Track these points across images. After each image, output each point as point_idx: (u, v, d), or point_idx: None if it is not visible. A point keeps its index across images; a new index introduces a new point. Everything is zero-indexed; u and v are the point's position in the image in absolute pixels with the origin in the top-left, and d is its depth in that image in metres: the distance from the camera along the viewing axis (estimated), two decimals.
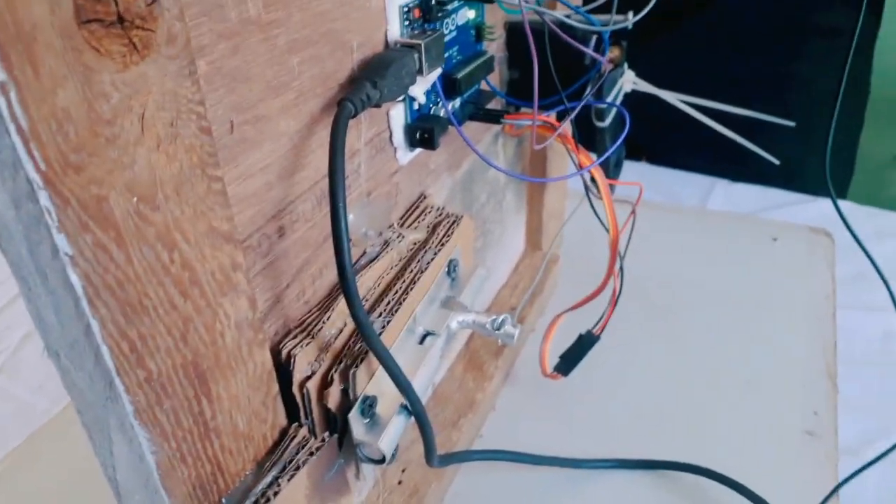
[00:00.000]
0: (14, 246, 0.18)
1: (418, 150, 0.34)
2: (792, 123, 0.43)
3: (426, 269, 0.33)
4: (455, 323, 0.33)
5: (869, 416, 0.48)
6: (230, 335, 0.23)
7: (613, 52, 0.40)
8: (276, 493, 0.25)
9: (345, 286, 0.25)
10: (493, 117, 0.36)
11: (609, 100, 0.40)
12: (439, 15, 0.31)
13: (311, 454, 0.27)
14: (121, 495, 0.24)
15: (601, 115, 0.42)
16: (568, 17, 0.35)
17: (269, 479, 0.26)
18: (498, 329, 0.34)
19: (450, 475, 0.42)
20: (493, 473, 0.43)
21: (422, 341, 0.33)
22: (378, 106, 0.27)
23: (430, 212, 0.36)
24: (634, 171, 0.78)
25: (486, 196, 0.46)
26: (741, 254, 0.62)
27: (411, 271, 0.33)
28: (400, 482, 0.39)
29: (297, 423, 0.28)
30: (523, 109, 0.42)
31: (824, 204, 0.71)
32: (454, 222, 0.35)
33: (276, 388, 0.26)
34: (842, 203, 0.71)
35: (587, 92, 0.37)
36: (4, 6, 0.15)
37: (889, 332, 0.56)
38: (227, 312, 0.23)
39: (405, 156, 0.33)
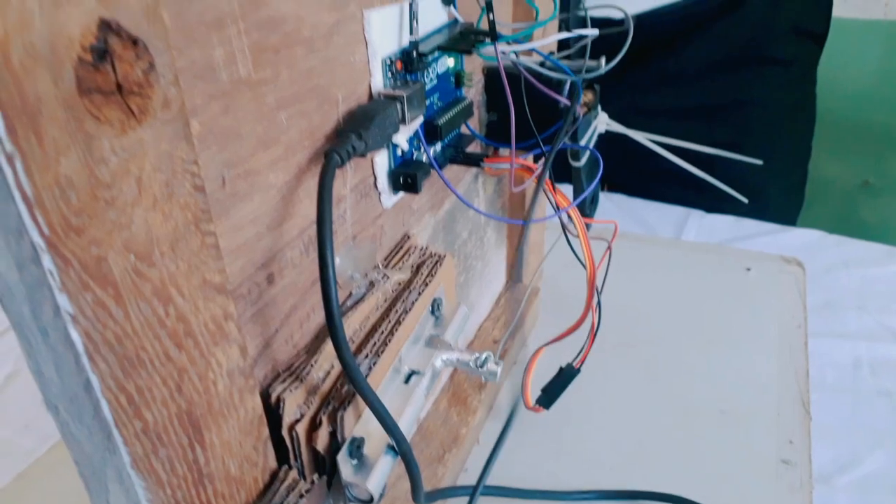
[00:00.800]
0: (16, 305, 0.19)
1: (402, 194, 0.35)
2: (759, 161, 0.45)
3: (411, 308, 0.34)
4: (439, 361, 0.34)
5: (840, 442, 0.50)
6: (222, 383, 0.24)
7: (587, 96, 0.41)
8: None
9: (333, 332, 0.25)
10: (474, 161, 0.38)
11: (583, 142, 0.41)
12: (420, 66, 0.32)
13: (301, 496, 0.27)
14: None
15: (576, 155, 0.43)
16: (542, 64, 0.36)
17: None
18: (481, 367, 0.35)
19: None
20: None
21: (407, 380, 0.33)
22: (363, 156, 0.28)
23: (413, 252, 0.37)
24: (611, 203, 0.80)
25: (467, 233, 0.47)
26: (715, 284, 0.63)
27: (396, 311, 0.33)
28: None
29: (286, 466, 0.28)
30: (501, 152, 0.44)
31: (796, 233, 0.73)
32: (437, 262, 0.36)
33: (266, 431, 0.27)
34: (812, 232, 0.73)
35: (561, 135, 0.39)
36: (11, 80, 0.16)
37: (859, 359, 0.57)
38: (220, 361, 0.24)
39: (389, 199, 0.34)
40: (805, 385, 0.52)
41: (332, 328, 0.25)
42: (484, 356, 0.35)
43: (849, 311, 0.63)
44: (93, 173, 0.18)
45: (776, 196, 0.77)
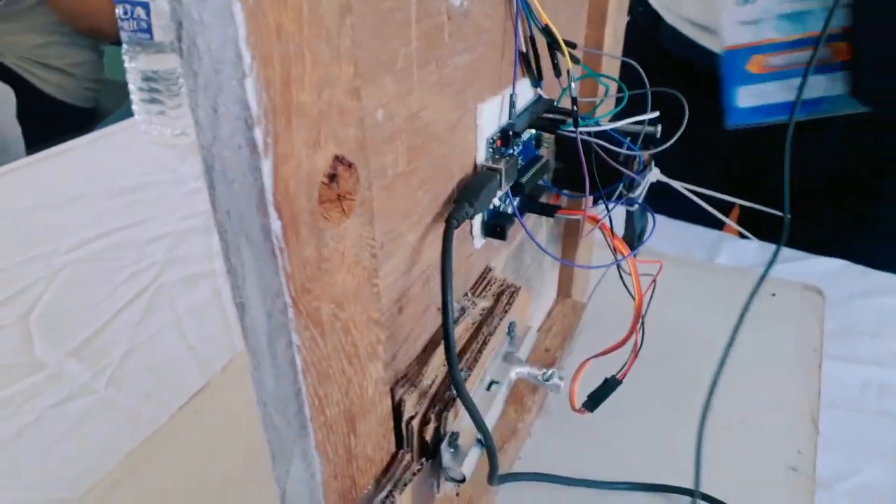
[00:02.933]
0: (256, 338, 0.28)
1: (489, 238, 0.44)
2: (780, 213, 0.53)
3: (494, 332, 0.42)
4: (514, 374, 0.43)
5: (843, 454, 0.57)
6: (371, 389, 0.33)
7: (646, 157, 0.49)
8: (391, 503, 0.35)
9: (449, 357, 0.34)
10: (549, 212, 0.46)
11: (637, 192, 0.49)
12: (515, 141, 0.41)
13: (414, 474, 0.36)
14: (286, 500, 0.33)
15: (631, 202, 0.51)
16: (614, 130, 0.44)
17: (384, 492, 0.35)
18: (547, 380, 0.43)
19: (494, 491, 0.51)
20: (528, 491, 0.52)
21: (489, 388, 0.42)
22: (472, 218, 0.37)
23: (494, 283, 0.45)
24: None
25: (531, 259, 0.55)
26: (742, 306, 0.71)
27: (483, 333, 0.42)
28: (458, 494, 0.48)
29: (402, 450, 0.37)
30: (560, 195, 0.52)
31: (822, 261, 0.80)
32: (514, 292, 0.45)
33: (391, 424, 0.36)
34: (835, 261, 0.80)
35: (620, 189, 0.47)
36: (287, 203, 0.24)
37: (868, 382, 0.65)
38: (371, 373, 0.32)
39: (479, 242, 0.43)
40: (816, 403, 0.60)
41: (448, 355, 0.34)
42: (550, 372, 0.43)
43: (864, 338, 0.71)
44: (320, 254, 0.27)
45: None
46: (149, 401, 0.62)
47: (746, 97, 0.76)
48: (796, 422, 0.58)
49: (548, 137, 0.46)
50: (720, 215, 0.53)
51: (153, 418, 0.60)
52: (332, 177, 0.26)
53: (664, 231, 0.86)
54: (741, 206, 0.57)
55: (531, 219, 0.53)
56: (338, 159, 0.26)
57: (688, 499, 0.52)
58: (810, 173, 0.82)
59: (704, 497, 0.51)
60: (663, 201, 0.65)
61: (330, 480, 0.32)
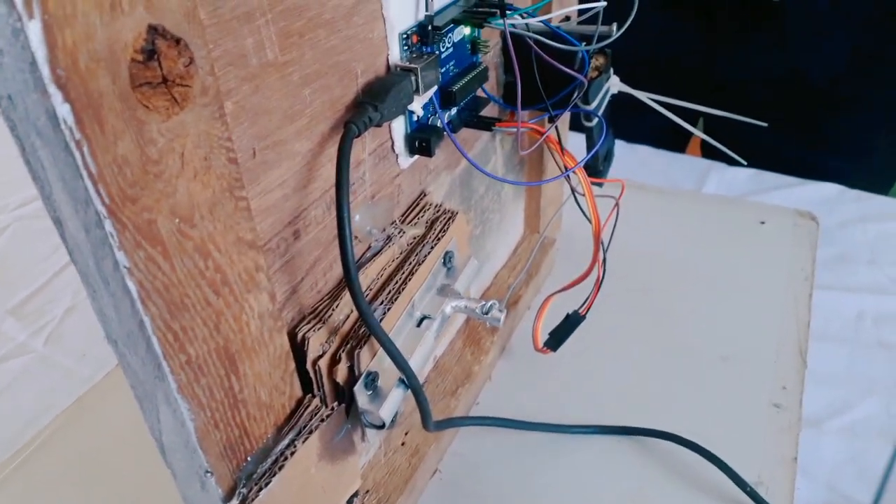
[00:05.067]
0: (83, 259, 0.23)
1: (418, 156, 0.38)
2: (764, 124, 0.47)
3: (423, 261, 0.37)
4: (449, 308, 0.38)
5: (834, 390, 0.53)
6: (254, 324, 0.28)
7: (598, 60, 0.44)
8: (292, 453, 0.30)
9: (349, 281, 0.29)
10: (486, 125, 0.40)
11: (594, 104, 0.44)
12: (435, 38, 0.35)
13: (322, 420, 0.32)
14: (165, 452, 0.29)
15: (588, 116, 0.46)
16: (557, 28, 0.39)
17: (286, 441, 0.31)
18: (486, 313, 0.38)
19: (448, 437, 0.47)
20: (487, 436, 0.48)
21: (419, 324, 0.37)
22: (379, 125, 0.32)
23: (428, 209, 0.40)
24: (636, 156, 0.82)
25: (484, 188, 0.50)
26: (728, 236, 0.66)
27: (410, 263, 0.37)
28: (403, 443, 0.44)
29: (310, 395, 0.33)
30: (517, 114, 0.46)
31: (816, 187, 0.74)
32: (450, 218, 0.40)
33: (292, 365, 0.31)
34: (832, 186, 0.74)
35: (573, 99, 0.41)
36: (78, 81, 0.19)
37: (863, 311, 0.59)
38: (252, 306, 0.28)
39: (406, 161, 0.38)
40: (805, 335, 0.55)
41: (348, 278, 0.29)
42: (490, 304, 0.38)
43: (860, 265, 0.65)
44: (144, 152, 0.22)
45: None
46: (85, 360, 0.58)
47: None
48: (782, 355, 0.53)
49: (486, 41, 0.40)
50: (687, 125, 0.47)
51: (89, 377, 0.56)
52: (151, 53, 0.21)
53: (647, 163, 0.81)
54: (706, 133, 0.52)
55: (482, 140, 0.48)
56: (156, 31, 0.21)
57: (661, 442, 0.47)
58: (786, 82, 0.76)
59: (677, 439, 0.46)
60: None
61: (208, 429, 0.27)
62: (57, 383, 0.57)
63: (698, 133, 0.47)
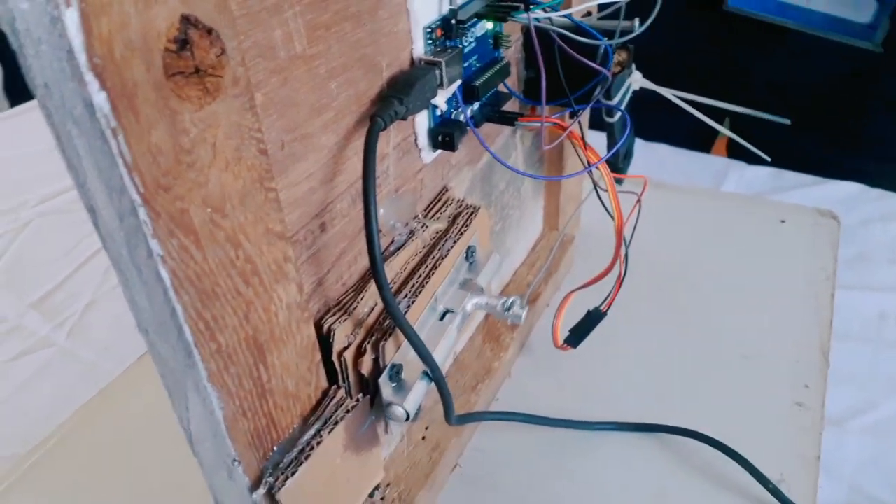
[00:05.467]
0: (116, 247, 0.23)
1: (440, 150, 0.38)
2: (787, 121, 0.47)
3: (446, 255, 0.37)
4: (470, 304, 0.38)
5: (857, 389, 0.52)
6: (283, 315, 0.28)
7: (621, 56, 0.43)
8: (318, 443, 0.30)
9: (375, 274, 0.29)
10: (508, 119, 0.40)
11: (616, 100, 0.43)
12: (459, 32, 0.35)
13: (348, 411, 0.32)
14: (193, 441, 0.29)
15: (610, 112, 0.46)
16: (576, 30, 0.39)
17: (312, 431, 0.31)
18: (507, 310, 0.38)
19: (468, 432, 0.47)
20: (507, 432, 0.48)
21: (442, 318, 0.38)
22: (404, 119, 0.32)
23: (451, 203, 0.40)
24: (656, 154, 0.82)
25: (504, 184, 0.50)
26: (749, 235, 0.65)
27: (433, 257, 0.37)
28: (424, 437, 0.44)
29: (336, 386, 0.33)
30: (540, 108, 0.46)
31: (834, 186, 0.74)
32: (472, 213, 0.40)
33: (318, 356, 0.31)
34: (853, 185, 0.74)
35: (595, 94, 0.41)
36: (114, 70, 0.20)
37: (885, 311, 0.59)
38: (280, 296, 0.28)
39: (429, 155, 0.38)
40: (827, 334, 0.55)
41: (374, 270, 0.29)
42: (511, 301, 0.38)
43: (881, 265, 0.65)
44: (177, 142, 0.22)
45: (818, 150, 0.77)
46: (107, 353, 0.59)
47: None
48: (804, 354, 0.53)
49: (508, 36, 0.41)
50: (713, 122, 0.46)
51: (110, 371, 0.57)
52: (184, 43, 0.21)
53: (666, 161, 0.80)
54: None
55: (503, 136, 0.48)
56: (188, 21, 0.21)
57: (682, 439, 0.47)
58: (806, 81, 0.75)
59: (699, 436, 0.46)
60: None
61: (236, 418, 0.28)
62: (79, 377, 0.57)
63: (725, 131, 0.47)
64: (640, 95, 0.49)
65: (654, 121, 0.60)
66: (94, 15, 0.19)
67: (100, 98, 0.19)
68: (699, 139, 0.79)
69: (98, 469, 0.50)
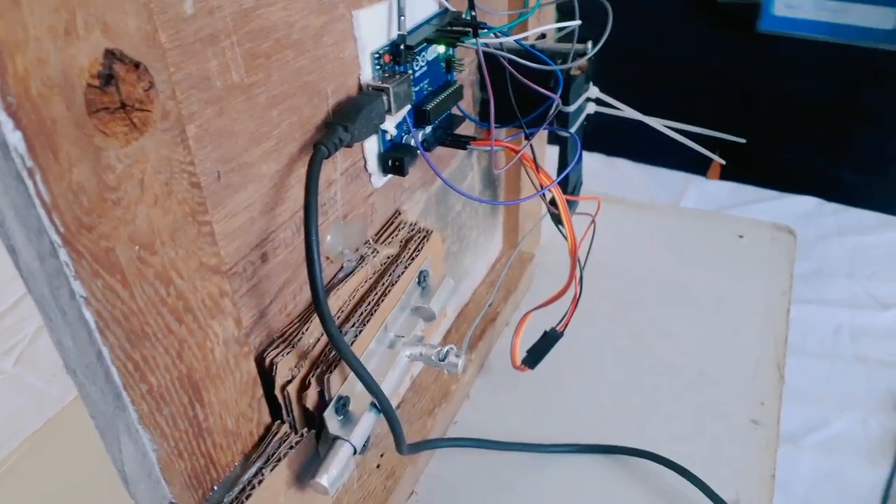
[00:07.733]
0: (38, 288, 0.22)
1: (391, 175, 0.38)
2: (742, 140, 0.47)
3: (397, 281, 0.37)
4: (405, 356, 0.37)
5: (812, 405, 0.53)
6: (219, 351, 0.27)
7: (582, 63, 0.43)
8: (260, 482, 0.29)
9: (318, 306, 0.29)
10: (461, 143, 0.40)
11: (572, 109, 0.43)
12: (408, 57, 0.35)
13: (291, 447, 0.31)
14: (128, 483, 0.28)
15: (566, 121, 0.45)
16: (530, 47, 0.38)
17: (254, 469, 0.30)
18: (442, 360, 0.37)
19: (424, 459, 0.46)
20: (464, 457, 0.47)
21: (392, 346, 0.37)
22: (350, 146, 0.31)
23: (403, 227, 0.40)
24: (615, 169, 0.82)
25: (461, 205, 0.50)
26: (707, 250, 0.66)
27: (384, 283, 0.37)
28: (378, 465, 0.43)
29: (279, 421, 0.32)
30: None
31: (794, 200, 0.75)
32: (425, 237, 0.39)
33: (260, 391, 0.31)
34: (809, 199, 0.75)
35: (549, 116, 0.41)
36: (30, 107, 0.19)
37: (840, 326, 0.60)
38: (216, 332, 0.27)
39: (379, 180, 0.37)
40: (782, 350, 0.55)
41: (316, 302, 0.29)
42: (445, 350, 0.37)
43: (837, 279, 0.66)
44: (101, 179, 0.21)
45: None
46: (56, 380, 0.57)
47: (782, 6, 0.88)
48: (760, 371, 0.53)
49: (461, 60, 0.40)
50: (699, 147, 0.46)
51: (59, 398, 0.55)
52: (109, 78, 0.20)
53: (625, 177, 0.81)
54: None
55: (459, 157, 0.47)
56: (113, 55, 0.20)
57: (637, 460, 0.47)
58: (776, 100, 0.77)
59: (654, 457, 0.46)
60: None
61: (171, 459, 0.27)
62: (26, 405, 0.55)
63: (690, 143, 0.47)
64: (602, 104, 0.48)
65: (613, 134, 0.60)
66: (7, 53, 0.18)
67: (14, 138, 0.18)
68: (656, 153, 0.80)
69: (47, 500, 0.48)
